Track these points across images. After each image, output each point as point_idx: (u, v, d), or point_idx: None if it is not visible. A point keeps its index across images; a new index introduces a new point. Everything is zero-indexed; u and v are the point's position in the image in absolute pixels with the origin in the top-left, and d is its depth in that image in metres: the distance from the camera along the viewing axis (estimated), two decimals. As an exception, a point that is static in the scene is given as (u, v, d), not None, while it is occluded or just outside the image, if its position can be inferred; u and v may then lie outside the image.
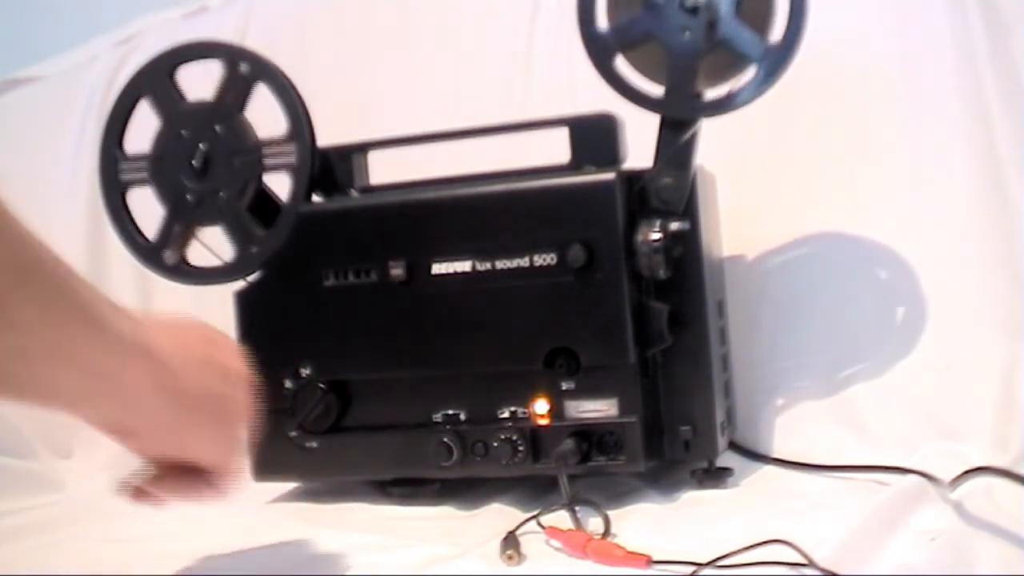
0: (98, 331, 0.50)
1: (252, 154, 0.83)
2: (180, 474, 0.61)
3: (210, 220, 0.85)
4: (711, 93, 0.76)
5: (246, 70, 0.83)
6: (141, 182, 0.86)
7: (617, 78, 0.76)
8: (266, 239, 0.83)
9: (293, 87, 0.83)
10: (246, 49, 0.85)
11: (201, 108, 0.84)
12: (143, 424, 0.56)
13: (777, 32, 0.73)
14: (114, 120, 0.87)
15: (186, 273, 0.87)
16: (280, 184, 0.84)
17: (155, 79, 0.86)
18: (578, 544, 0.64)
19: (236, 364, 0.62)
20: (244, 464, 0.63)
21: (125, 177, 0.87)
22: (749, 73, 0.74)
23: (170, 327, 0.58)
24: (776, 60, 0.73)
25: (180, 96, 0.85)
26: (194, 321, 0.62)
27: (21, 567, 0.73)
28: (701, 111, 0.76)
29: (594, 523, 0.68)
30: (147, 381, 0.54)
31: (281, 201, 0.84)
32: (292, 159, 0.83)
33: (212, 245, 0.85)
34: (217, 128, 0.84)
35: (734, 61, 0.74)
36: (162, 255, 0.86)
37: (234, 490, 0.63)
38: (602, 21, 0.77)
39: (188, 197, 0.84)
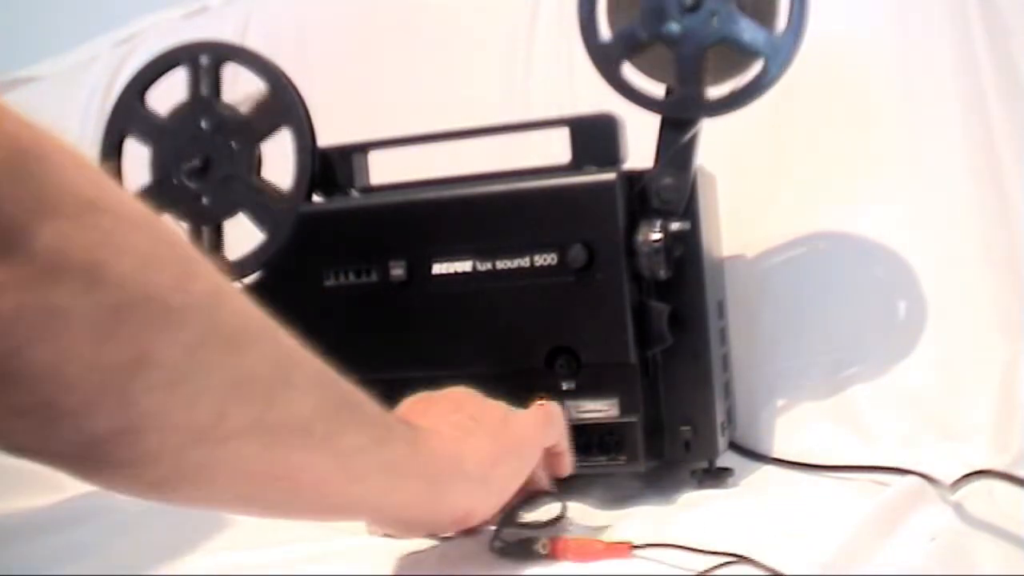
0: (397, 437, 0.55)
1: (248, 189, 0.83)
2: None
3: (182, 215, 0.85)
4: (719, 91, 0.75)
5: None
6: (144, 136, 0.86)
7: (627, 86, 0.76)
8: (220, 265, 0.82)
9: (314, 148, 0.83)
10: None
11: (228, 115, 0.85)
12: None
13: (780, 23, 0.73)
14: (148, 70, 0.86)
15: None
16: (280, 185, 0.84)
17: (205, 58, 0.86)
18: (556, 546, 0.63)
19: (489, 411, 0.65)
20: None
21: (133, 122, 0.87)
22: (756, 67, 0.74)
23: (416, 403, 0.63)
24: (782, 50, 0.73)
25: (217, 90, 0.85)
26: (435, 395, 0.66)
27: (21, 567, 0.73)
28: (712, 110, 0.75)
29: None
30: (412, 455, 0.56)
31: (281, 201, 0.84)
32: (278, 213, 0.82)
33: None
34: (232, 143, 0.84)
35: (740, 56, 0.74)
36: None
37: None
38: (604, 30, 0.77)
39: (174, 181, 0.85)
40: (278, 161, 0.85)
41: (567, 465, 0.70)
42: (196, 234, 0.85)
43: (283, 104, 0.83)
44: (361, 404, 0.53)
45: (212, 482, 0.45)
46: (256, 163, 0.84)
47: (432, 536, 0.67)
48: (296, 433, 0.47)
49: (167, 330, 0.40)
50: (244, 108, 0.84)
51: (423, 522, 0.63)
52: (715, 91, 0.75)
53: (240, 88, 0.86)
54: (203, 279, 0.44)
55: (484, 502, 0.62)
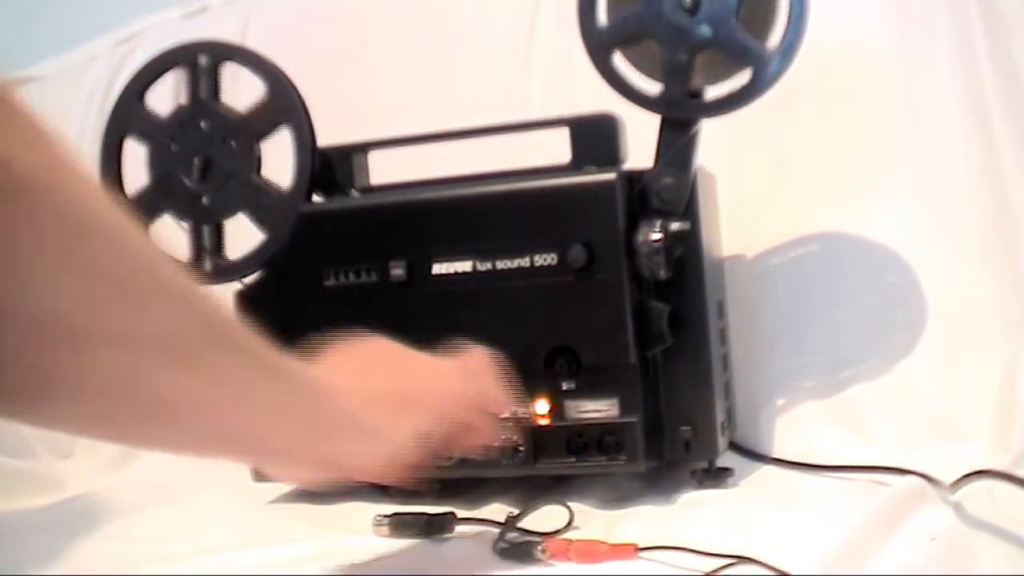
0: (276, 375, 0.51)
1: (248, 188, 0.84)
2: None
3: (182, 216, 0.85)
4: (708, 94, 0.76)
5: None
6: (144, 136, 0.86)
7: (614, 74, 0.76)
8: (221, 264, 0.84)
9: (314, 147, 0.83)
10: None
11: (229, 115, 0.85)
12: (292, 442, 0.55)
13: (775, 38, 0.73)
14: (148, 69, 0.87)
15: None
16: (281, 184, 0.84)
17: (203, 58, 0.86)
18: (560, 548, 0.64)
19: (403, 362, 0.62)
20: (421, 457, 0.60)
21: (132, 122, 0.87)
22: (744, 76, 0.74)
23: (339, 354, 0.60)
24: (771, 65, 0.73)
25: (216, 90, 0.86)
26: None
27: (21, 567, 0.73)
28: (696, 111, 0.76)
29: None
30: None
31: (281, 201, 0.84)
32: (279, 212, 0.82)
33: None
34: (232, 143, 0.84)
35: (729, 63, 0.74)
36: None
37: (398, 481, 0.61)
38: (603, 17, 0.77)
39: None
40: (279, 160, 0.85)
41: (486, 433, 0.65)
42: (197, 234, 0.85)
43: (282, 103, 0.83)
44: (239, 333, 0.49)
45: (73, 396, 0.42)
46: (256, 162, 0.84)
47: (313, 484, 0.64)
48: (158, 347, 0.43)
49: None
50: (245, 109, 0.84)
51: (303, 468, 0.60)
52: (702, 92, 0.75)
53: (240, 88, 0.86)
54: (46, 156, 0.39)
55: (372, 454, 0.58)
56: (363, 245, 0.80)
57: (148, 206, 0.86)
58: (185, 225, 0.85)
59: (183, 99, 0.85)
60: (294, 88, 0.84)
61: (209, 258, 0.84)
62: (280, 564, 0.69)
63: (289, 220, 0.82)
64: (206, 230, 0.84)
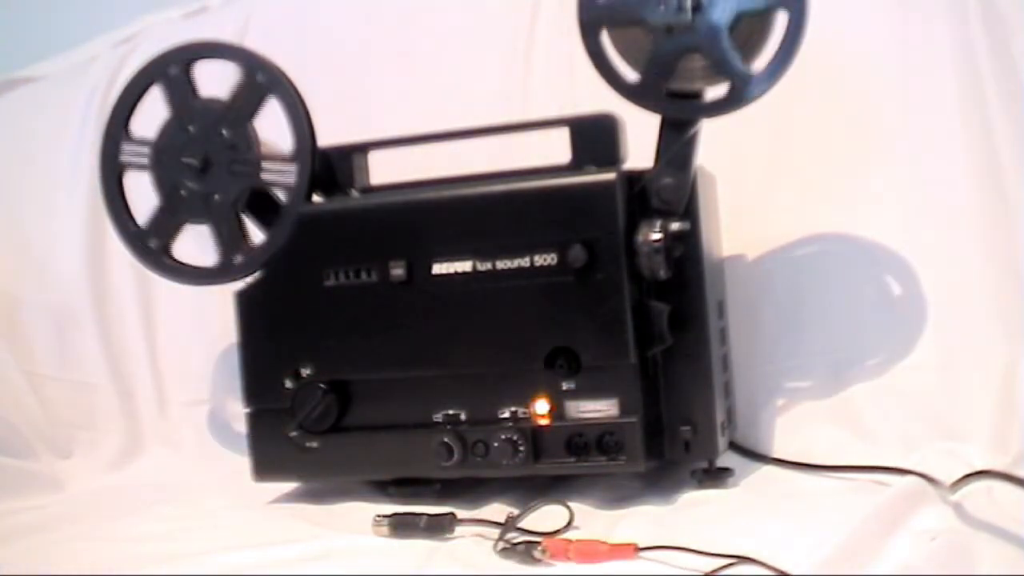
0: None
1: (252, 166, 0.84)
2: None
3: (200, 219, 0.85)
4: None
5: (263, 79, 0.84)
6: (140, 166, 0.87)
7: (598, 52, 0.77)
8: (251, 249, 0.84)
9: (305, 108, 0.83)
10: (267, 60, 0.85)
11: (212, 108, 0.85)
12: None
13: (765, 58, 0.74)
14: (124, 100, 0.88)
15: (171, 268, 0.88)
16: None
17: (173, 68, 0.86)
18: (560, 548, 0.64)
19: None
20: None
21: (125, 158, 0.88)
22: (721, 89, 0.74)
23: None
24: (750, 86, 0.73)
25: (194, 91, 0.86)
26: None
27: (21, 567, 0.73)
28: (668, 108, 0.76)
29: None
30: None
31: (281, 201, 0.85)
32: (290, 179, 0.83)
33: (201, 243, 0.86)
34: (224, 132, 0.84)
35: (708, 73, 0.74)
36: (147, 242, 0.87)
37: None
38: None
39: (183, 192, 0.85)
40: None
41: None
42: (219, 235, 0.85)
43: (261, 78, 0.84)
44: None
45: None
46: (254, 140, 0.84)
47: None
48: None
49: None
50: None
51: None
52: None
53: (231, 80, 0.86)
54: None
55: None
56: (363, 245, 0.80)
57: (164, 225, 0.86)
58: (206, 228, 0.85)
59: (167, 113, 0.86)
60: (269, 62, 0.84)
61: (238, 252, 0.84)
62: (280, 564, 0.69)
63: (289, 220, 0.82)
64: (226, 226, 0.84)
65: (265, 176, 0.83)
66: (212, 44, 0.87)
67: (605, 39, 0.77)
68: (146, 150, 0.87)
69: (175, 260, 0.88)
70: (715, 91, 0.75)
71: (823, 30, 0.75)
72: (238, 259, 0.84)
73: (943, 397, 0.82)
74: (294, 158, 0.83)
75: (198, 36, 0.90)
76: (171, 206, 0.86)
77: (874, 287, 0.88)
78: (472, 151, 0.84)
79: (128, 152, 0.87)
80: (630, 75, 0.76)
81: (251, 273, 0.84)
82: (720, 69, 0.74)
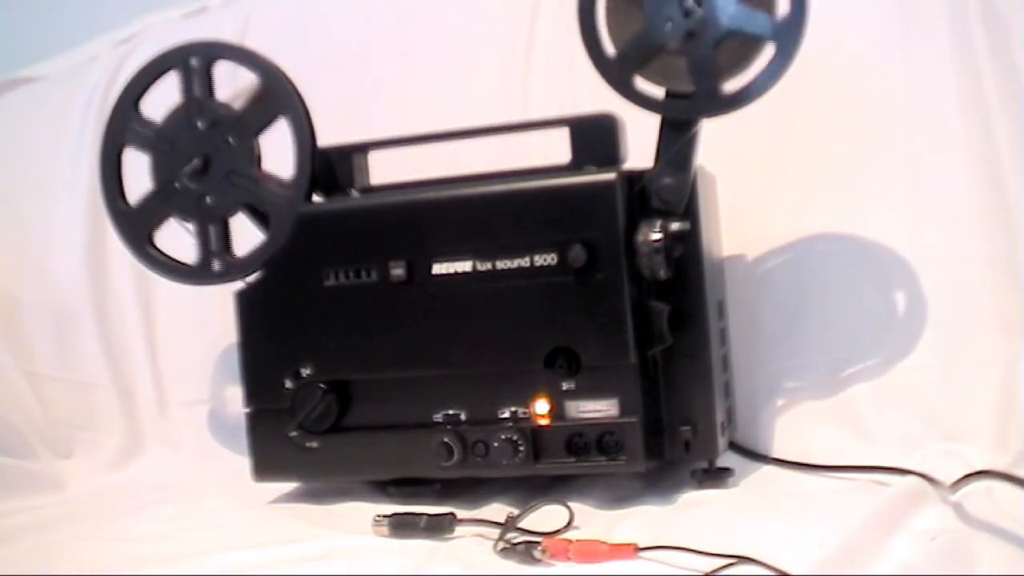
0: None
1: (250, 182, 0.84)
2: None
3: (187, 216, 0.86)
4: (732, 85, 0.75)
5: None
6: (142, 145, 0.87)
7: (643, 97, 0.76)
8: (232, 258, 0.84)
9: (312, 135, 0.83)
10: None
11: (223, 111, 0.85)
12: None
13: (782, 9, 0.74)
14: (139, 79, 0.88)
15: (150, 256, 0.88)
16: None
17: (195, 60, 0.86)
18: (559, 548, 0.64)
19: None
20: None
21: (129, 134, 0.88)
22: (767, 54, 0.74)
23: None
24: (789, 34, 0.73)
25: (211, 88, 0.86)
26: None
27: (21, 567, 0.73)
28: (730, 105, 0.75)
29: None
30: None
31: (283, 191, 0.84)
32: (282, 203, 0.83)
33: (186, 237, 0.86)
34: (230, 139, 0.84)
35: (748, 46, 0.74)
36: (133, 223, 0.87)
37: None
38: (609, 48, 0.77)
39: (176, 185, 0.85)
40: (279, 161, 0.85)
41: None
42: (204, 235, 0.85)
43: (277, 94, 0.84)
44: None
45: None
46: (256, 156, 0.84)
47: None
48: None
49: None
50: (238, 103, 0.84)
51: None
52: (732, 84, 0.75)
53: (239, 87, 0.86)
54: None
55: None
56: (363, 245, 0.80)
57: (151, 212, 0.87)
58: (191, 227, 0.85)
59: (179, 102, 0.85)
60: (288, 80, 0.84)
61: (218, 258, 0.84)
62: (280, 564, 0.69)
63: (289, 220, 0.82)
64: (212, 230, 0.85)
65: (260, 193, 0.84)
66: (240, 49, 0.87)
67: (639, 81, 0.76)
68: (150, 132, 0.87)
69: (156, 248, 0.88)
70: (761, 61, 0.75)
71: (823, 30, 0.75)
72: (216, 265, 0.85)
73: (943, 397, 0.82)
74: (292, 185, 0.83)
75: (205, 36, 0.90)
76: (163, 194, 0.86)
77: (874, 287, 0.88)
78: (472, 151, 0.84)
79: (133, 129, 0.87)
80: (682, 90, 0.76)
81: (227, 281, 0.84)
82: (754, 36, 0.73)
